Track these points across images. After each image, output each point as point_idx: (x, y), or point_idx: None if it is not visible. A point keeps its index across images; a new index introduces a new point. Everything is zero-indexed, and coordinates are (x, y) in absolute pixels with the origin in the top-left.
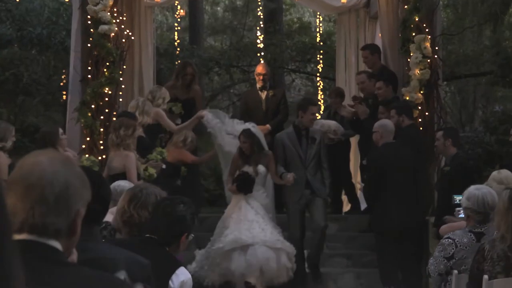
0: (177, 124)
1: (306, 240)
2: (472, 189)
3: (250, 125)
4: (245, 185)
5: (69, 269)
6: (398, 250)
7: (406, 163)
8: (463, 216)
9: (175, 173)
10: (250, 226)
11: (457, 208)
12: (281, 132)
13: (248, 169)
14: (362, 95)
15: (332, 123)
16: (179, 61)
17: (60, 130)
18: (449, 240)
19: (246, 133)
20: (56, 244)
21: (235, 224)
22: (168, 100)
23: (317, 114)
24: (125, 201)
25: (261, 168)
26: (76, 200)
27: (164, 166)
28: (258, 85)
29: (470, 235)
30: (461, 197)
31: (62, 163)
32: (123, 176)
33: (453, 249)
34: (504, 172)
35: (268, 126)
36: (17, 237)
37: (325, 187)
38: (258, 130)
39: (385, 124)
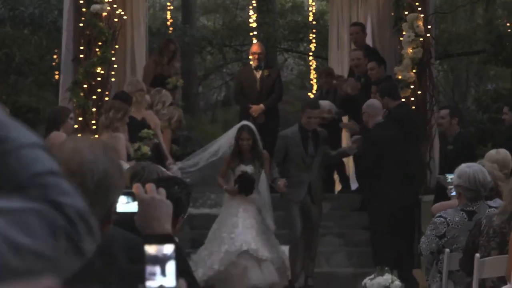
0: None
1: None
2: (463, 166)
3: (246, 122)
4: (247, 186)
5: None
6: (392, 229)
7: (395, 143)
8: (455, 194)
9: (159, 155)
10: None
11: (449, 187)
12: (285, 131)
13: (247, 168)
14: (355, 72)
15: (325, 103)
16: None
17: (71, 114)
18: (441, 218)
19: (249, 129)
20: None
21: (243, 230)
22: (168, 104)
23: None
24: (127, 178)
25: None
26: (113, 190)
27: (156, 141)
28: (253, 64)
29: (462, 213)
30: (453, 176)
31: (104, 152)
32: None
33: (445, 227)
34: (502, 153)
35: (262, 106)
36: None
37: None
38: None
39: (371, 104)
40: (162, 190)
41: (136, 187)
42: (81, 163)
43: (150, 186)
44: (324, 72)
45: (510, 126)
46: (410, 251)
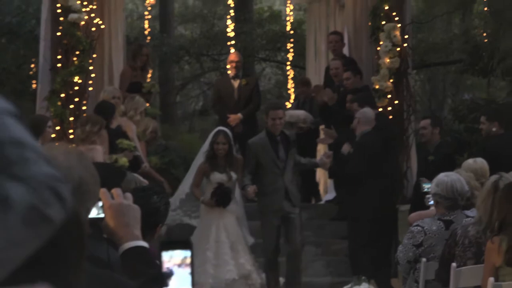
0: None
1: (282, 265)
2: (442, 175)
3: (222, 127)
4: (224, 198)
5: None
6: (371, 238)
7: (381, 152)
8: (432, 203)
9: (136, 165)
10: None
11: (427, 195)
12: (253, 138)
13: (221, 178)
14: (335, 81)
15: (300, 113)
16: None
17: (49, 122)
18: (418, 227)
19: (225, 133)
20: None
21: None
22: (141, 110)
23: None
24: None
25: (233, 175)
26: (88, 197)
27: (138, 153)
28: (231, 73)
29: (439, 223)
30: (429, 185)
31: (77, 158)
32: None
33: (422, 236)
34: (480, 162)
35: (239, 115)
36: None
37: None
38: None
39: (365, 112)
40: (129, 195)
41: (103, 193)
42: None
43: (116, 191)
44: (301, 82)
45: (487, 136)
46: (388, 260)
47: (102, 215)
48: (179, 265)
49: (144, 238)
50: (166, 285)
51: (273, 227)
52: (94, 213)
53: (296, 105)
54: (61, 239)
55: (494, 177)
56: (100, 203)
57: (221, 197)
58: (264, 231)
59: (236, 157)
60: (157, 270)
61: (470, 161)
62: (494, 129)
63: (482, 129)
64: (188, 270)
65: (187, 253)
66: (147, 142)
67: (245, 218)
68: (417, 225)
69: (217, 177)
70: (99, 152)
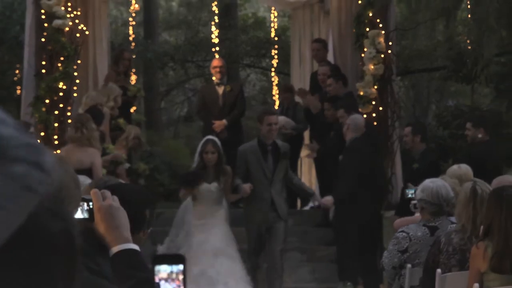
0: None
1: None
2: (427, 182)
3: (211, 136)
4: (191, 179)
5: None
6: (359, 244)
7: (370, 158)
8: (417, 209)
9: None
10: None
11: (413, 202)
12: (244, 145)
13: (210, 189)
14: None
15: (280, 118)
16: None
17: (31, 129)
18: (403, 233)
19: (214, 142)
20: None
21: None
22: (115, 95)
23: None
24: (88, 192)
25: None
26: (69, 201)
27: (127, 167)
28: (216, 79)
29: (424, 229)
30: (413, 191)
31: (58, 163)
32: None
33: (407, 242)
34: (464, 168)
35: (224, 121)
36: None
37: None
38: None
39: (355, 118)
40: (116, 197)
41: (94, 193)
42: None
43: (107, 193)
44: (284, 89)
45: (472, 142)
46: (375, 266)
47: (86, 217)
48: (166, 280)
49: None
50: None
51: (257, 234)
52: (78, 214)
53: (280, 111)
54: (55, 246)
55: (469, 184)
56: (85, 205)
57: (187, 178)
58: (248, 237)
59: (225, 168)
60: (148, 273)
61: (454, 167)
62: (479, 135)
63: (468, 136)
64: (174, 284)
65: (176, 267)
66: (131, 148)
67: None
68: (402, 231)
69: (206, 187)
70: (99, 157)
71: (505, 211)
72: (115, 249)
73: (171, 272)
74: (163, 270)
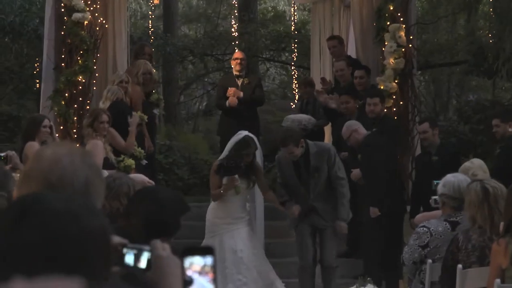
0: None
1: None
2: (449, 176)
3: (246, 132)
4: (231, 168)
5: None
6: (384, 239)
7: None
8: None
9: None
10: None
11: (433, 197)
12: (280, 155)
13: (241, 185)
14: (340, 82)
15: (302, 117)
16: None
17: (45, 122)
18: (424, 228)
19: (254, 142)
20: None
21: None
22: (117, 81)
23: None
24: None
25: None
26: (95, 198)
27: (145, 163)
28: (235, 71)
29: (445, 224)
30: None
31: (82, 159)
32: None
33: (428, 237)
34: (477, 162)
35: (241, 93)
36: None
37: (343, 209)
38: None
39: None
40: (167, 246)
41: (155, 244)
42: (61, 175)
43: (163, 244)
44: (303, 83)
45: (502, 138)
46: (397, 262)
47: (143, 267)
48: (199, 273)
49: None
50: None
51: (306, 235)
52: (131, 259)
53: (300, 105)
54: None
55: (477, 184)
56: (146, 254)
57: (227, 169)
58: (297, 242)
59: (257, 166)
60: None
61: (467, 163)
62: (510, 129)
63: (498, 132)
64: (208, 277)
65: (208, 260)
66: (143, 84)
67: (262, 219)
68: (423, 226)
69: (240, 183)
70: (98, 147)
71: None
72: None
73: (204, 265)
74: (196, 263)
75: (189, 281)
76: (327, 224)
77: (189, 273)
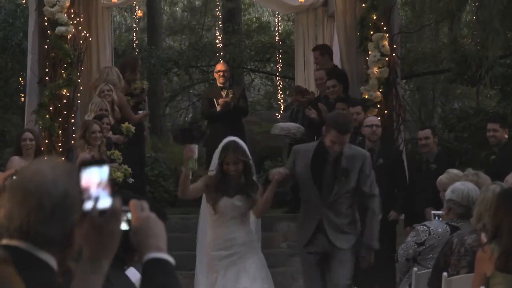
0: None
1: None
2: (458, 184)
3: (232, 137)
4: (185, 134)
5: None
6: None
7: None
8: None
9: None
10: None
11: (433, 212)
12: (301, 145)
13: (233, 203)
14: (319, 92)
15: (291, 126)
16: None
17: (25, 135)
18: (424, 227)
19: (235, 148)
20: (47, 257)
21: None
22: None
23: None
24: None
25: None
26: (74, 210)
27: (131, 181)
28: (219, 83)
29: (446, 226)
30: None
31: (64, 172)
32: None
33: (426, 236)
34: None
35: (229, 99)
36: (8, 242)
37: (371, 233)
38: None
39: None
40: (146, 205)
41: (133, 205)
42: (39, 184)
43: (144, 204)
44: (294, 91)
45: (498, 143)
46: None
47: (125, 228)
48: (99, 186)
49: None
50: None
51: (311, 266)
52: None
53: (289, 115)
54: None
55: (496, 186)
56: (125, 217)
57: (182, 134)
58: (302, 272)
59: (254, 182)
60: (178, 286)
61: (457, 171)
62: (506, 135)
63: (495, 137)
64: (107, 191)
65: (104, 172)
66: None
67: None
68: (424, 225)
69: (227, 202)
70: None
71: None
72: (149, 256)
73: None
74: (95, 175)
75: (96, 198)
76: (338, 248)
77: (89, 188)
